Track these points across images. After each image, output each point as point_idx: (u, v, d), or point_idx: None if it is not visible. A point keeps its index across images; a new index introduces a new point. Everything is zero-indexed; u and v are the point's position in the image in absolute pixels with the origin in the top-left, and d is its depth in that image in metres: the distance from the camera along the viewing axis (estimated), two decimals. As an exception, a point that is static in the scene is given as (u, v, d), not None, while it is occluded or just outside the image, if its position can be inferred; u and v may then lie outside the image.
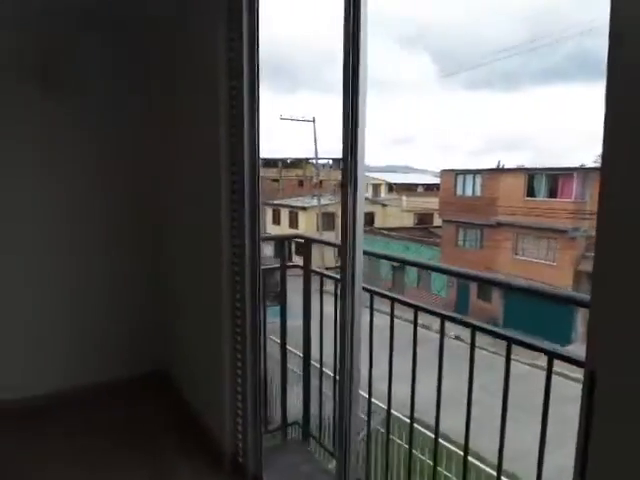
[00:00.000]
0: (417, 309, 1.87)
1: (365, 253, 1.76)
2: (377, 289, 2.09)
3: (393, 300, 1.99)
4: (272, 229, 24.64)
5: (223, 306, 2.31)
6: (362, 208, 1.59)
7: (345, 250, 1.64)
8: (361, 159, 1.56)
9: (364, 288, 2.07)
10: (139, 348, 3.14)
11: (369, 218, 25.34)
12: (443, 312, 1.74)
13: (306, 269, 2.58)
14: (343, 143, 1.57)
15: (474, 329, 1.61)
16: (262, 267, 2.92)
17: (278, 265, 2.64)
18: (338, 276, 1.92)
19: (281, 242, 2.75)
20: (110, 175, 2.98)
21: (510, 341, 1.51)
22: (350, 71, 1.57)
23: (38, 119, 2.75)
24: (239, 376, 2.29)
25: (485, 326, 1.61)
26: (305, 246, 2.62)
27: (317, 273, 2.51)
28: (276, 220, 26.61)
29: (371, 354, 2.17)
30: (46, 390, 2.77)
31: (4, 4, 2.56)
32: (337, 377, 1.92)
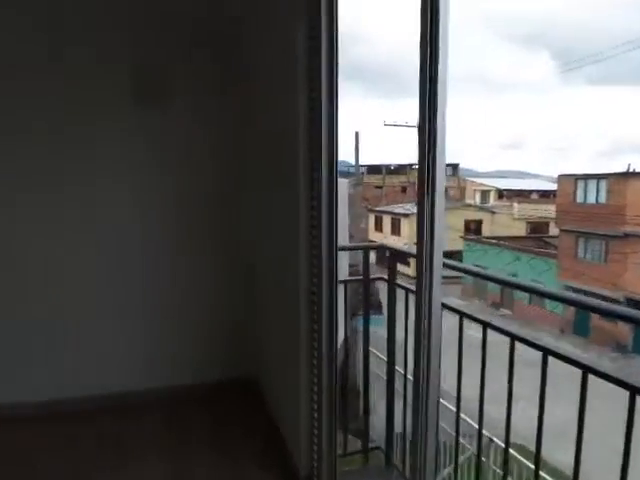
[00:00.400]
0: (513, 338, 1.59)
1: (449, 267, 1.54)
2: (467, 311, 1.83)
3: (485, 325, 1.72)
4: (374, 236, 24.43)
5: (301, 319, 2.21)
6: (442, 216, 1.42)
7: (421, 261, 1.47)
8: (440, 164, 1.43)
9: (451, 308, 1.85)
10: (232, 352, 3.15)
11: (476, 226, 24.07)
12: (545, 346, 1.44)
13: (390, 281, 2.39)
14: (419, 146, 1.45)
15: (586, 372, 1.30)
16: (348, 278, 2.81)
17: (360, 277, 2.49)
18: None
19: (366, 252, 2.59)
20: (203, 175, 3.03)
21: (635, 392, 1.18)
22: (427, 72, 1.44)
23: (134, 123, 2.88)
24: (315, 393, 2.17)
25: (602, 370, 1.26)
26: (391, 256, 2.45)
27: (400, 286, 2.31)
28: (378, 227, 26.36)
29: (459, 378, 1.96)
30: (136, 388, 2.87)
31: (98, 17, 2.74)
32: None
